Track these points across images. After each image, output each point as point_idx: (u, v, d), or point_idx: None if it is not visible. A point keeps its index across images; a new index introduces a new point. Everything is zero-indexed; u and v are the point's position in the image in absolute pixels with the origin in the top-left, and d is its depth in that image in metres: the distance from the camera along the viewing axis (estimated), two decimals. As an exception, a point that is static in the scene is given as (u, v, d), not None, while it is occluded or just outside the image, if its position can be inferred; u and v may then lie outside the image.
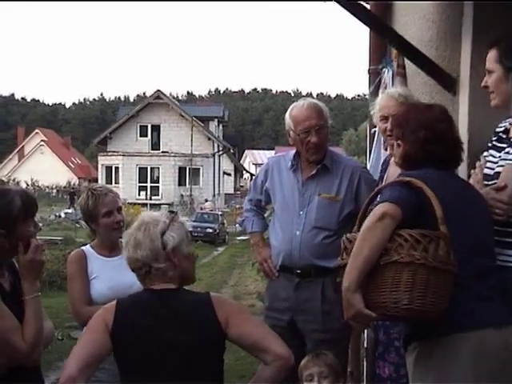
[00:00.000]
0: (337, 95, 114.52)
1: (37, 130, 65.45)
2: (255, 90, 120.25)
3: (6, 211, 2.57)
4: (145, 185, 41.71)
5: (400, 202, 2.40)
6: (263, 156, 64.88)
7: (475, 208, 2.58)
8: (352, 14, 3.75)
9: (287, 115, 3.83)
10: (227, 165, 52.41)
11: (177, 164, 41.68)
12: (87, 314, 2.95)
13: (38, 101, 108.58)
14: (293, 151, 3.89)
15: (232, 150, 50.91)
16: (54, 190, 53.82)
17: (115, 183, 39.32)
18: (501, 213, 2.62)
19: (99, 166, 43.02)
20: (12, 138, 72.29)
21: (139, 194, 41.05)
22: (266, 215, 4.31)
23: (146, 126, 43.31)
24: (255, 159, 69.99)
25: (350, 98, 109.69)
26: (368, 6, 4.74)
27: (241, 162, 65.41)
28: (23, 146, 63.44)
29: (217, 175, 45.30)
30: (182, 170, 41.95)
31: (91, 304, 3.29)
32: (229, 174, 53.78)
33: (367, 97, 5.19)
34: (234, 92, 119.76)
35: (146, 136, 43.24)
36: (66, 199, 45.35)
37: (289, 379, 2.77)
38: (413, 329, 2.53)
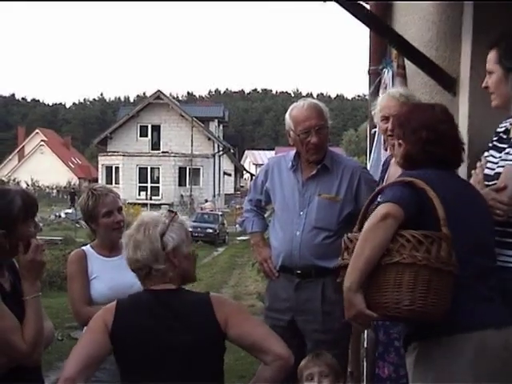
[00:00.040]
0: (337, 95, 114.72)
1: (37, 130, 65.46)
2: (255, 90, 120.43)
3: (7, 211, 2.57)
4: (145, 185, 41.71)
5: (402, 203, 2.39)
6: (263, 156, 64.89)
7: (475, 208, 2.57)
8: (352, 14, 3.76)
9: (287, 115, 3.83)
10: (227, 165, 52.40)
11: (177, 164, 41.68)
12: (87, 314, 2.95)
13: (39, 101, 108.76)
14: (293, 151, 3.89)
15: (232, 151, 50.92)
16: (54, 190, 53.82)
17: (115, 183, 39.32)
18: (501, 213, 2.62)
19: (99, 166, 43.03)
20: (12, 138, 72.27)
21: (139, 194, 41.05)
22: (266, 215, 4.31)
23: (147, 126, 43.31)
24: (255, 159, 70.00)
25: (350, 98, 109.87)
26: (368, 7, 4.74)
27: (241, 162, 65.41)
28: (23, 146, 63.44)
29: (217, 175, 45.29)
30: (182, 170, 41.95)
31: (91, 304, 3.29)
32: (229, 175, 53.77)
33: (367, 97, 5.20)
34: (235, 92, 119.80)
35: (147, 136, 43.25)
36: (66, 199, 45.34)
37: (289, 379, 2.77)
38: (413, 329, 2.52)
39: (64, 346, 7.65)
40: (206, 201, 39.39)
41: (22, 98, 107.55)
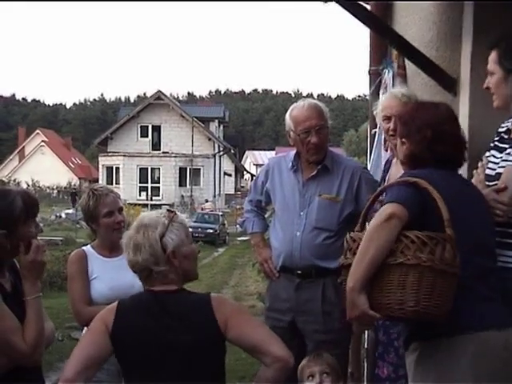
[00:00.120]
0: (337, 96, 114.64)
1: (37, 131, 65.41)
2: (256, 90, 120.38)
3: (8, 212, 2.57)
4: (145, 185, 41.71)
5: (407, 203, 2.38)
6: (264, 156, 64.85)
7: (476, 208, 2.57)
8: (352, 14, 3.76)
9: (287, 116, 3.83)
10: (228, 165, 52.41)
11: (177, 164, 41.68)
12: (88, 315, 2.96)
13: (39, 101, 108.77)
14: (293, 152, 3.89)
15: (232, 151, 50.90)
16: (55, 191, 53.80)
17: (116, 184, 39.33)
18: (501, 214, 2.62)
19: (100, 167, 43.04)
20: (13, 139, 72.22)
21: (140, 195, 41.05)
22: (266, 216, 4.31)
23: (147, 127, 43.30)
24: (256, 160, 69.98)
25: (350, 98, 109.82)
26: (368, 7, 4.74)
27: (241, 162, 65.40)
28: (24, 147, 63.40)
29: (217, 176, 45.28)
30: (182, 171, 41.95)
31: (92, 304, 3.30)
32: (229, 175, 53.77)
33: (368, 97, 5.20)
34: (235, 92, 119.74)
35: (147, 136, 43.24)
36: (66, 200, 45.31)
37: (289, 380, 2.76)
38: (414, 329, 2.52)
39: (64, 347, 7.65)
40: (207, 201, 39.37)
41: (23, 99, 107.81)
